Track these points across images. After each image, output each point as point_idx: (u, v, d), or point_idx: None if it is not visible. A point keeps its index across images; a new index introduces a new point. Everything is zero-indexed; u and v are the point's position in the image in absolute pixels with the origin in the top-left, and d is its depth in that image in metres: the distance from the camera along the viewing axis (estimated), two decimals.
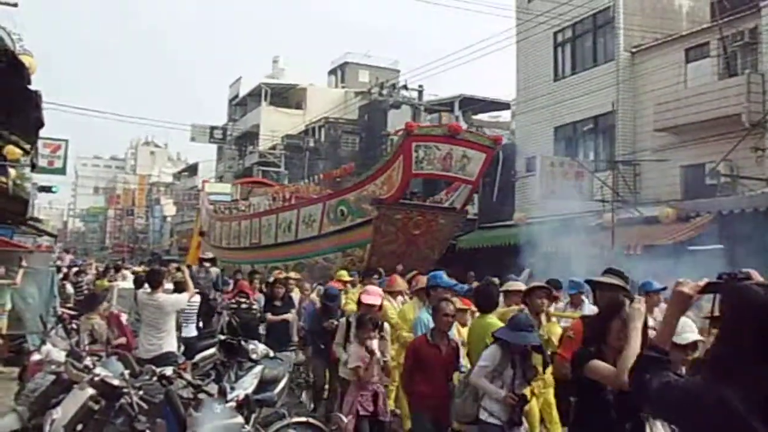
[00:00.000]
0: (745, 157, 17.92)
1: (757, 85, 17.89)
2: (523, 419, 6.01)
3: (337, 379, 9.17)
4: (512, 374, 5.82)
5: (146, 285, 9.01)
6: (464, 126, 23.71)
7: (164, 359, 8.00)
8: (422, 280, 9.02)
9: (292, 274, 14.11)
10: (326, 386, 9.63)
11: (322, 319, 9.37)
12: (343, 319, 8.18)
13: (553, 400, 7.53)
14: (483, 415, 5.80)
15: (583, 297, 9.57)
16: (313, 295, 12.49)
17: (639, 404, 3.01)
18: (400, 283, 10.45)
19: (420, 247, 18.14)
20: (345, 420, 5.89)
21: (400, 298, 10.19)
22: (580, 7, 22.89)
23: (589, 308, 8.65)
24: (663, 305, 8.16)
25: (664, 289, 8.62)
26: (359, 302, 7.80)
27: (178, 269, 10.94)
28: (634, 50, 22.30)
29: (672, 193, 20.14)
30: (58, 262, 27.79)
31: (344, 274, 12.89)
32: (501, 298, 8.67)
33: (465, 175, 17.89)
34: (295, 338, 11.19)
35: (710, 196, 18.09)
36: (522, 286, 8.63)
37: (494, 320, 7.06)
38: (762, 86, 17.91)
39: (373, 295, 7.80)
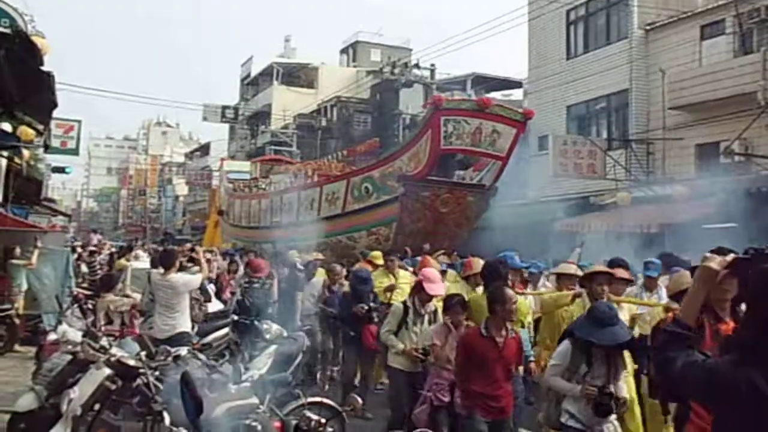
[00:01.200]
0: (760, 136, 17.78)
1: None
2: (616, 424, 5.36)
3: (368, 368, 9.13)
4: (588, 371, 5.22)
5: (159, 266, 9.06)
6: None
7: (178, 339, 8.09)
8: (476, 264, 8.28)
9: (317, 255, 13.76)
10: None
11: (352, 304, 8.91)
12: (398, 304, 7.60)
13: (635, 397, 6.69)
14: (564, 418, 5.30)
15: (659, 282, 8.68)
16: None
17: (664, 382, 2.94)
18: (434, 264, 9.88)
19: (448, 226, 17.38)
20: (360, 401, 5.65)
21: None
22: None
23: (664, 294, 7.70)
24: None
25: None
26: (418, 289, 7.27)
27: (192, 249, 10.91)
28: (648, 28, 22.09)
29: (686, 172, 20.03)
30: (77, 243, 28.00)
31: (378, 256, 12.11)
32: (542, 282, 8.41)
33: (495, 150, 17.07)
34: (298, 323, 10.60)
35: (724, 175, 17.98)
36: (575, 270, 8.01)
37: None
38: None
39: (437, 283, 7.30)
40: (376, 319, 8.77)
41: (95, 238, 28.64)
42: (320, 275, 11.60)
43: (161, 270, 8.80)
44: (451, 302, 6.63)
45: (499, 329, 5.78)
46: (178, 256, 9.47)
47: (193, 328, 9.63)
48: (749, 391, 2.24)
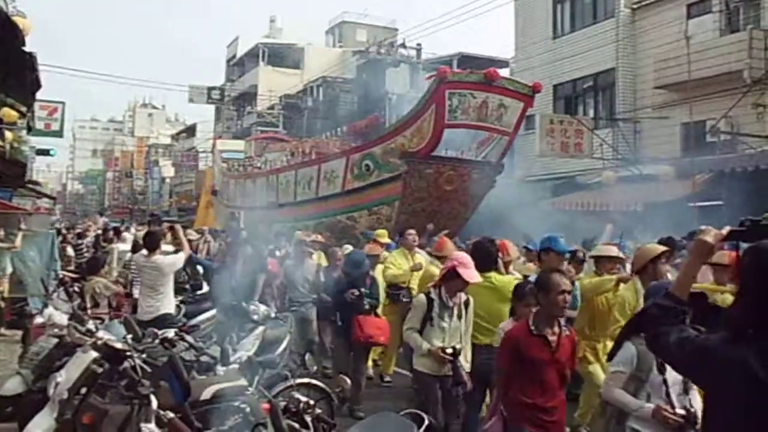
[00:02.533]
0: (746, 114, 17.84)
1: (759, 41, 17.72)
2: None
3: (359, 362, 8.22)
4: (663, 380, 4.17)
5: (143, 248, 9.09)
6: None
7: (163, 320, 8.13)
8: (510, 249, 7.71)
9: (316, 236, 13.22)
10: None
11: (344, 289, 8.19)
12: (420, 296, 6.50)
13: None
14: None
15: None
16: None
17: (656, 356, 2.92)
18: (450, 246, 9.11)
19: (452, 205, 16.67)
20: (349, 382, 5.31)
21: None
22: None
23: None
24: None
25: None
26: (449, 276, 6.13)
27: (171, 228, 10.76)
28: (634, 6, 22.08)
29: (672, 151, 20.09)
30: (61, 225, 27.81)
31: (384, 234, 11.57)
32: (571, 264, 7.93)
33: (502, 125, 16.38)
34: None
35: (710, 153, 18.04)
36: (617, 252, 7.51)
37: (502, 279, 6.72)
38: (764, 42, 17.75)
39: (471, 268, 6.17)
40: (367, 307, 8.20)
41: (101, 221, 28.19)
42: (322, 260, 11.14)
43: (145, 252, 8.82)
44: (523, 290, 5.67)
45: (551, 325, 4.78)
46: (161, 238, 9.50)
47: (180, 309, 9.65)
48: (741, 371, 2.24)
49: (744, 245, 2.57)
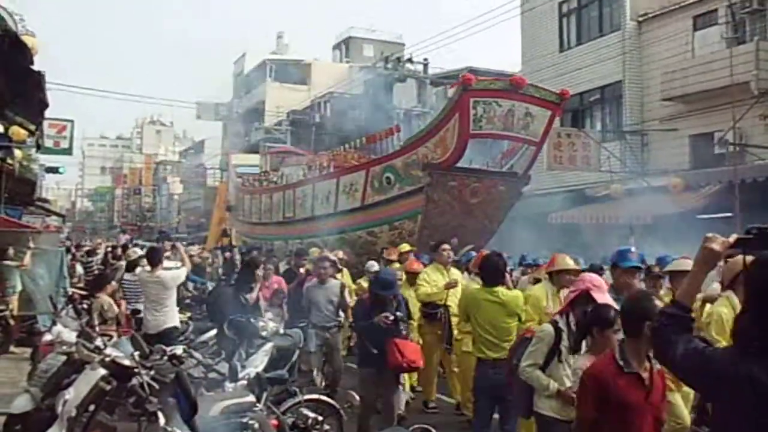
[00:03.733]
0: (754, 125, 17.80)
1: (766, 53, 17.69)
2: None
3: (390, 394, 7.21)
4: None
5: (146, 263, 9.26)
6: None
7: (168, 334, 8.36)
8: (560, 260, 7.00)
9: (336, 253, 12.46)
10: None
11: (372, 314, 7.21)
12: (547, 326, 5.35)
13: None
14: None
15: None
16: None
17: (662, 365, 2.88)
18: (445, 259, 9.05)
19: (477, 218, 15.78)
20: (357, 398, 5.26)
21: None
22: None
23: None
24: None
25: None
26: (581, 299, 5.09)
27: (173, 246, 10.98)
28: (640, 19, 22.08)
29: (680, 163, 20.04)
30: (68, 243, 27.83)
31: (405, 247, 11.24)
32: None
33: (528, 135, 15.67)
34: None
35: (719, 165, 17.99)
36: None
37: (509, 293, 6.65)
38: None
39: (605, 292, 5.13)
40: (404, 332, 7.44)
41: (123, 238, 28.17)
42: (346, 277, 10.73)
43: (148, 267, 9.03)
44: (608, 315, 4.59)
45: (642, 360, 3.82)
46: (163, 253, 9.63)
47: (188, 326, 9.68)
48: (748, 385, 2.22)
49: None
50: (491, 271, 6.74)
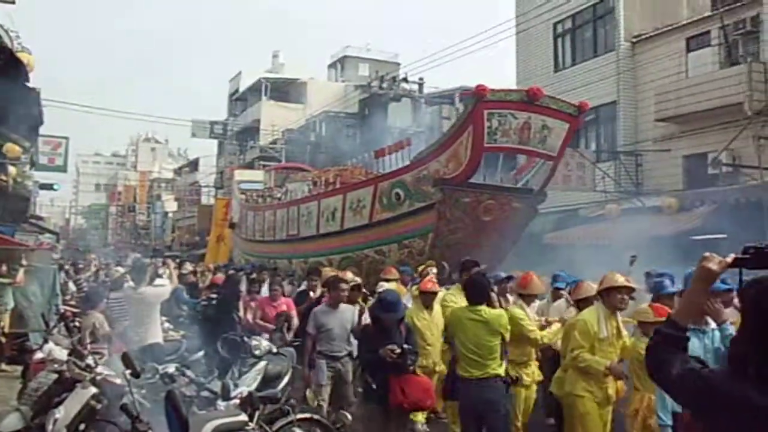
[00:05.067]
0: (747, 146, 17.86)
1: (759, 74, 17.80)
2: None
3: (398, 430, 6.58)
4: None
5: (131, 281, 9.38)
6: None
7: (150, 350, 8.35)
8: (610, 277, 6.45)
9: (348, 274, 11.27)
10: None
11: (376, 342, 6.39)
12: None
13: None
14: None
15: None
16: None
17: (658, 385, 2.85)
18: (537, 283, 7.97)
19: (491, 237, 14.80)
20: (349, 417, 5.26)
21: (535, 304, 8.18)
22: None
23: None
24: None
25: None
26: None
27: (164, 263, 11.03)
28: (634, 40, 22.23)
29: (674, 184, 20.10)
30: (61, 260, 27.66)
31: (433, 264, 10.43)
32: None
33: (545, 149, 14.99)
34: None
35: (712, 185, 18.06)
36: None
37: (491, 312, 6.55)
38: (764, 75, 17.82)
39: None
40: (411, 366, 6.49)
41: (132, 256, 27.63)
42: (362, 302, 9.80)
43: (132, 284, 9.22)
44: None
45: None
46: (148, 271, 9.64)
47: (182, 344, 9.63)
48: (744, 407, 2.21)
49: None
50: (475, 290, 6.73)
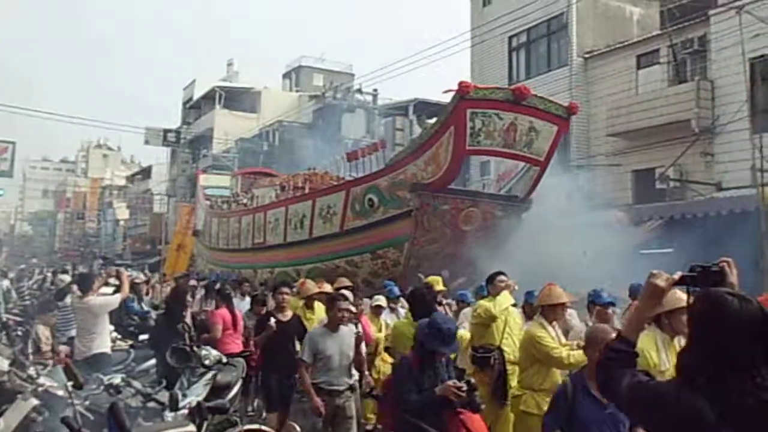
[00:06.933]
0: (694, 162, 18.26)
1: (706, 92, 18.24)
2: None
3: None
4: None
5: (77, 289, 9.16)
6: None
7: (97, 360, 8.17)
8: (671, 298, 5.24)
9: (325, 286, 10.31)
10: None
11: (422, 379, 5.22)
12: None
13: None
14: None
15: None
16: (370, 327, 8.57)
17: (608, 399, 2.89)
18: (559, 292, 6.54)
19: (471, 247, 13.35)
20: (298, 429, 5.10)
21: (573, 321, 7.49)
22: (534, 13, 23.11)
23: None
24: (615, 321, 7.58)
25: (613, 304, 7.65)
26: None
27: (118, 272, 10.69)
28: (587, 56, 22.58)
29: (624, 198, 20.41)
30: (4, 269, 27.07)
31: (438, 281, 9.47)
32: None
33: (532, 153, 13.97)
34: None
35: (660, 200, 18.39)
36: None
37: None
38: (711, 93, 18.28)
39: None
40: (481, 403, 5.42)
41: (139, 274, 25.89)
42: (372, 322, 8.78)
43: (79, 293, 8.88)
44: None
45: None
46: (94, 280, 9.48)
47: (129, 354, 9.49)
48: (693, 419, 2.23)
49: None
50: (419, 305, 6.58)
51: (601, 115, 21.25)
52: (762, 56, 16.95)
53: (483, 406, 5.44)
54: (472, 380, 5.26)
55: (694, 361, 2.37)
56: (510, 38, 25.15)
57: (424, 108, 33.08)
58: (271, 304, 9.55)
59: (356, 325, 7.50)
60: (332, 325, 6.79)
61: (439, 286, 9.34)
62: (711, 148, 18.19)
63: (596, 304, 7.77)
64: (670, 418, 2.33)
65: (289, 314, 8.19)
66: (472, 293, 9.56)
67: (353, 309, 7.40)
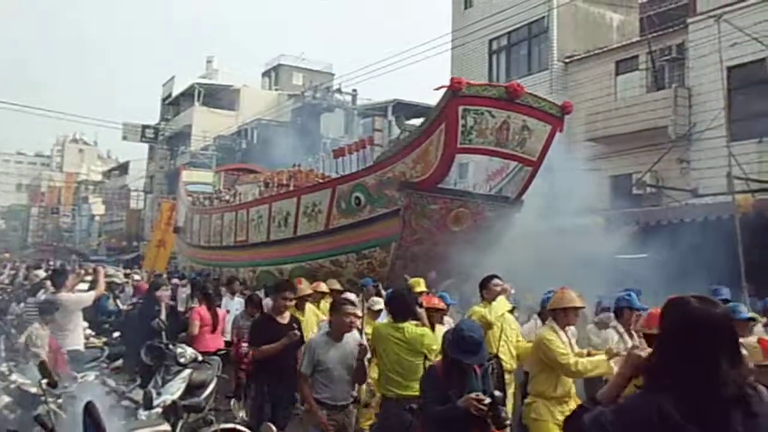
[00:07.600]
0: (671, 169, 18.41)
1: (684, 99, 18.40)
2: None
3: None
4: None
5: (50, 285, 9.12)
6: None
7: (70, 357, 8.08)
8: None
9: (321, 286, 10.35)
10: None
11: (445, 387, 4.99)
12: None
13: None
14: None
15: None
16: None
17: None
18: (572, 296, 6.33)
19: (461, 249, 12.86)
20: (274, 429, 5.08)
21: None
22: (515, 17, 23.20)
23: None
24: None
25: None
26: None
27: (95, 270, 10.56)
28: (567, 60, 22.70)
29: (601, 203, 20.51)
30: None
31: (420, 282, 9.34)
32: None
33: (524, 153, 13.61)
34: None
35: (636, 206, 18.52)
36: None
37: (413, 330, 6.25)
38: (688, 100, 18.45)
39: None
40: (509, 421, 5.28)
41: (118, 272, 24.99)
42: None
43: (52, 289, 8.96)
44: None
45: None
46: (68, 276, 9.42)
47: (103, 351, 9.39)
48: (659, 418, 2.28)
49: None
50: (398, 307, 6.51)
51: (580, 120, 21.36)
52: (739, 65, 17.13)
53: (509, 422, 5.15)
54: (497, 393, 4.94)
55: (661, 364, 2.44)
56: (491, 41, 25.21)
57: (403, 109, 33.10)
58: (267, 303, 9.41)
59: (360, 333, 6.89)
60: (336, 334, 6.20)
61: (421, 288, 9.20)
62: (687, 155, 18.36)
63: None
64: (636, 424, 2.36)
65: (287, 316, 7.83)
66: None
67: (359, 314, 6.79)
